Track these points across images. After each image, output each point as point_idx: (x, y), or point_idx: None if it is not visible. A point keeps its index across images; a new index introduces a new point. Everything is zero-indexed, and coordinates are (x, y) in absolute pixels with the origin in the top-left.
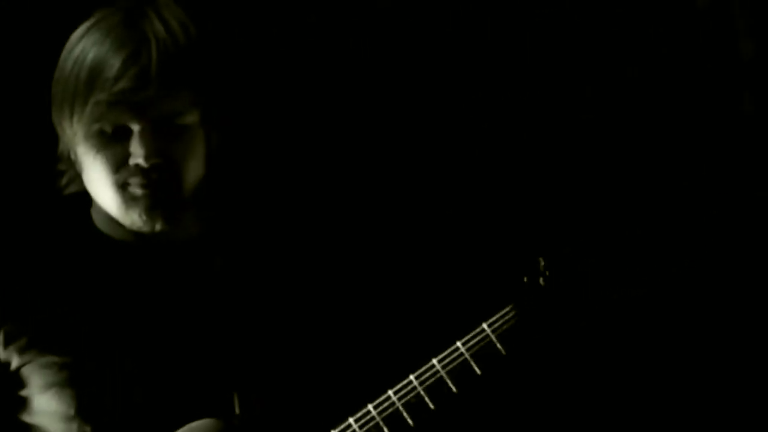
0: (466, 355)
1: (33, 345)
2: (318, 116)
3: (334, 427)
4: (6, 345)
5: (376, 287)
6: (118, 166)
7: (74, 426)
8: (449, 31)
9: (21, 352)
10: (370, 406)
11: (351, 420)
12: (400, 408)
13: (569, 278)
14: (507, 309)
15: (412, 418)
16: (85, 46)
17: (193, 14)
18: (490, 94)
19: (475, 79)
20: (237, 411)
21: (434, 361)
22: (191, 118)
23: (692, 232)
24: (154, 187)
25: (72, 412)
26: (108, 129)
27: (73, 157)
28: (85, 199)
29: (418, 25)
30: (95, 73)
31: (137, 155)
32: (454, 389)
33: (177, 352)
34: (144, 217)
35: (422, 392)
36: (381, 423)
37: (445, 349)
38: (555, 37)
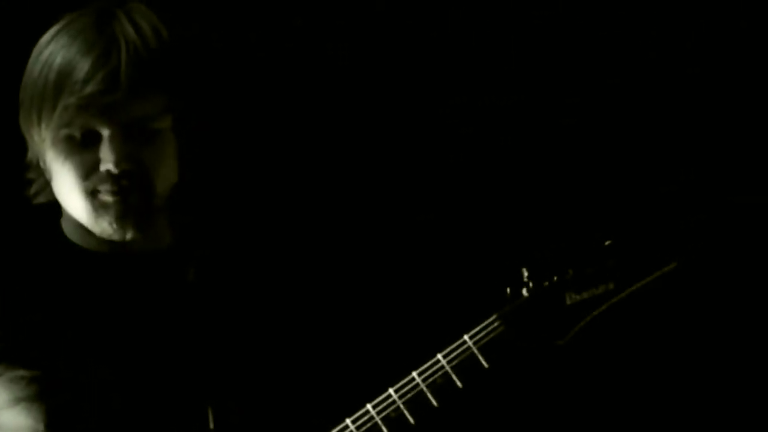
0: (447, 368)
1: (1, 359)
2: (293, 121)
3: None
4: None
5: (354, 298)
6: (88, 172)
7: None
8: (429, 31)
9: None
10: (348, 420)
11: None
12: (379, 423)
13: (553, 289)
14: (489, 320)
15: None
16: (53, 49)
17: (165, 17)
18: (464, 113)
19: (450, 94)
20: (211, 425)
21: (414, 374)
22: (163, 122)
23: (676, 237)
24: (125, 194)
25: (41, 427)
26: (77, 134)
27: (42, 164)
28: (54, 208)
29: (396, 28)
30: (64, 76)
31: (107, 161)
32: (434, 403)
33: (149, 365)
34: (115, 226)
35: (402, 407)
36: None
37: (426, 362)
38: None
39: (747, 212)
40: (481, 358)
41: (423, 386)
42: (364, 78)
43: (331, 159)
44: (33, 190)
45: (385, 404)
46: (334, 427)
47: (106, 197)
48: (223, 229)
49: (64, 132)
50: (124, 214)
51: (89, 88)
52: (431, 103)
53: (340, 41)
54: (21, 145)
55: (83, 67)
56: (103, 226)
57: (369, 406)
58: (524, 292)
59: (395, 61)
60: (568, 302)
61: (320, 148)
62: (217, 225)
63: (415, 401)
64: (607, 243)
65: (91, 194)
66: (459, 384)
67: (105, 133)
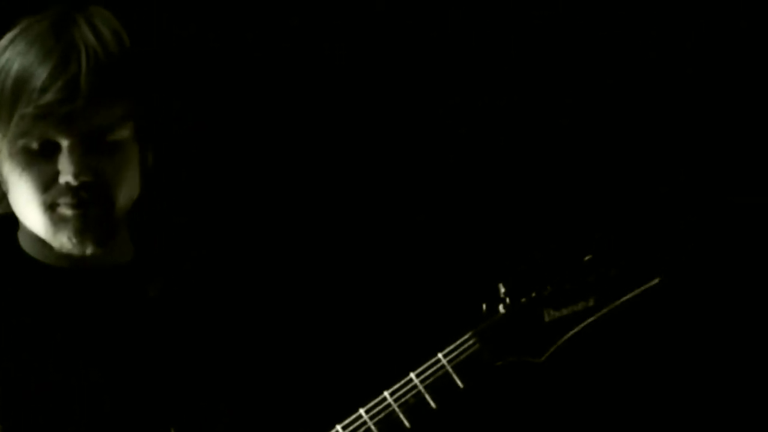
0: (420, 388)
1: None
2: (259, 133)
3: None
4: None
5: (323, 315)
6: (47, 184)
7: None
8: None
9: None
10: None
11: None
12: None
13: (531, 305)
14: (464, 338)
15: None
16: (9, 56)
17: (127, 22)
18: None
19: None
20: None
21: (386, 393)
22: (124, 132)
23: (659, 252)
24: (84, 208)
25: None
26: (35, 145)
27: None
28: (11, 221)
29: (392, 28)
30: (20, 84)
31: (66, 172)
32: (407, 424)
33: (109, 384)
34: (74, 240)
35: (373, 428)
36: None
37: (398, 381)
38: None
39: (732, 224)
40: (455, 377)
41: (395, 406)
42: (351, 81)
43: (303, 174)
44: None
45: (355, 425)
46: None
47: (65, 210)
48: (187, 244)
49: (21, 142)
50: (83, 228)
51: (47, 97)
52: (409, 133)
53: (337, 42)
54: None
55: (41, 74)
56: (62, 241)
57: (338, 428)
58: (501, 308)
59: (386, 62)
60: (547, 319)
61: (291, 161)
62: (181, 239)
63: (387, 422)
64: (587, 258)
65: (50, 207)
66: (432, 404)
67: (64, 143)
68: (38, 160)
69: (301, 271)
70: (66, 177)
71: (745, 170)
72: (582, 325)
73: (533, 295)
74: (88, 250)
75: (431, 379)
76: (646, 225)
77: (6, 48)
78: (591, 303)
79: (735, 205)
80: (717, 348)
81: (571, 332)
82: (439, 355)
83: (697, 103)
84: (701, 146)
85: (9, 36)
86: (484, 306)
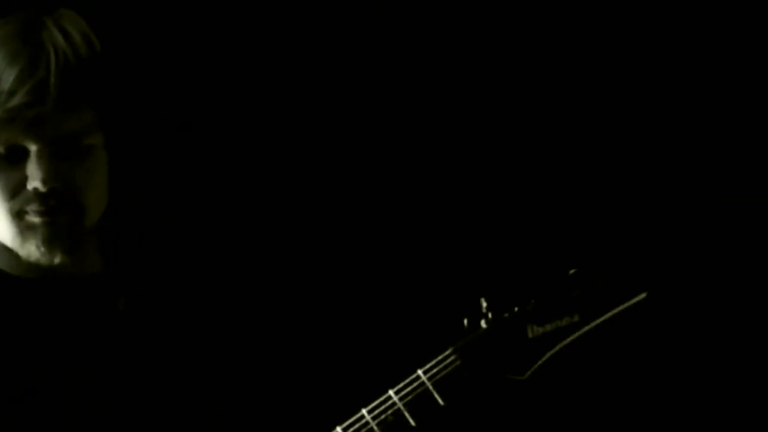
0: (399, 405)
1: None
2: (232, 142)
3: None
4: None
5: (295, 328)
6: (14, 191)
7: None
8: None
9: None
10: None
11: None
12: None
13: (513, 320)
14: (445, 354)
15: None
16: None
17: (98, 25)
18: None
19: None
20: None
21: (364, 411)
22: (94, 138)
23: (647, 266)
24: (53, 215)
25: None
26: (1, 150)
27: None
28: None
29: (388, 29)
30: None
31: (34, 179)
32: None
33: (76, 399)
34: (42, 249)
35: None
36: None
37: (376, 399)
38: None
39: (719, 224)
40: (436, 394)
41: (373, 424)
42: (342, 82)
43: (275, 186)
44: None
45: None
46: None
47: (33, 218)
48: (157, 255)
49: None
50: (52, 237)
51: (15, 100)
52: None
53: (336, 42)
54: None
55: (8, 77)
56: (30, 250)
57: None
58: (483, 323)
59: (373, 63)
60: (530, 335)
61: (262, 173)
62: (151, 250)
63: None
64: (572, 271)
65: (17, 215)
66: (412, 422)
67: (32, 148)
68: (5, 166)
69: (273, 281)
70: (34, 183)
71: (732, 170)
72: (566, 341)
73: (516, 310)
74: (57, 259)
75: (410, 397)
76: (633, 237)
77: None
78: (576, 318)
79: (721, 204)
80: (707, 364)
81: (555, 349)
82: (419, 372)
83: (683, 103)
84: (686, 147)
85: None
86: (465, 321)
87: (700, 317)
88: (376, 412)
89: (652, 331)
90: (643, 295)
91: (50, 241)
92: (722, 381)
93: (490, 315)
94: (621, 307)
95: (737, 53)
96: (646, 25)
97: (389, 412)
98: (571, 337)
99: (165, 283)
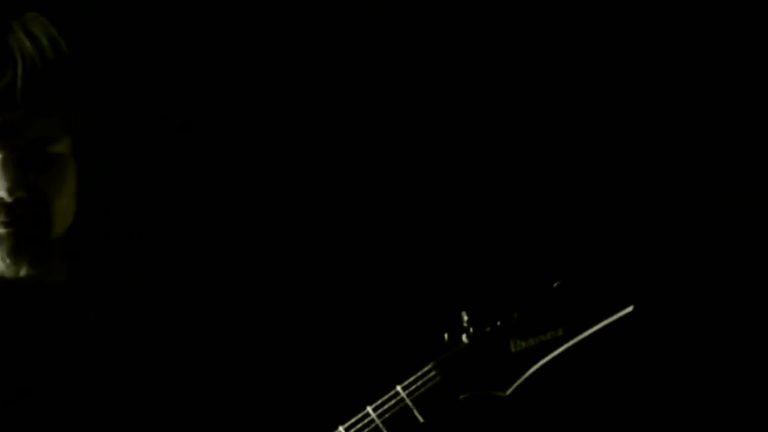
0: (378, 422)
1: None
2: (232, 142)
3: None
4: None
5: (269, 341)
6: None
7: None
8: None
9: None
10: None
11: None
12: None
13: (496, 334)
14: (425, 369)
15: None
16: None
17: (66, 29)
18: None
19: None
20: None
21: (341, 429)
22: (62, 146)
23: (633, 278)
24: (19, 225)
25: None
26: None
27: None
28: None
29: (386, 29)
30: None
31: None
32: None
33: (43, 413)
34: (7, 260)
35: None
36: None
37: (354, 416)
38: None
39: (717, 223)
40: (416, 411)
41: None
42: (340, 83)
43: (250, 196)
44: None
45: None
46: None
47: None
48: (126, 266)
49: None
50: (17, 248)
51: None
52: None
53: (335, 41)
54: None
55: None
56: None
57: None
58: (464, 338)
59: (370, 63)
60: (513, 349)
61: (233, 180)
62: (120, 262)
63: None
64: (555, 284)
65: None
66: None
67: None
68: None
69: (247, 302)
70: None
71: (732, 170)
72: (550, 356)
73: (498, 323)
74: (22, 272)
75: (389, 413)
76: (619, 249)
77: None
78: (560, 333)
79: (721, 204)
80: (706, 366)
81: (539, 364)
82: (398, 388)
83: (683, 104)
84: (686, 147)
85: None
86: (446, 335)
87: (701, 317)
88: (355, 429)
89: (646, 338)
90: (630, 309)
91: (16, 253)
92: (722, 381)
93: (471, 329)
94: (607, 321)
95: (737, 53)
96: (646, 25)
97: (367, 429)
98: (556, 352)
99: (136, 294)
